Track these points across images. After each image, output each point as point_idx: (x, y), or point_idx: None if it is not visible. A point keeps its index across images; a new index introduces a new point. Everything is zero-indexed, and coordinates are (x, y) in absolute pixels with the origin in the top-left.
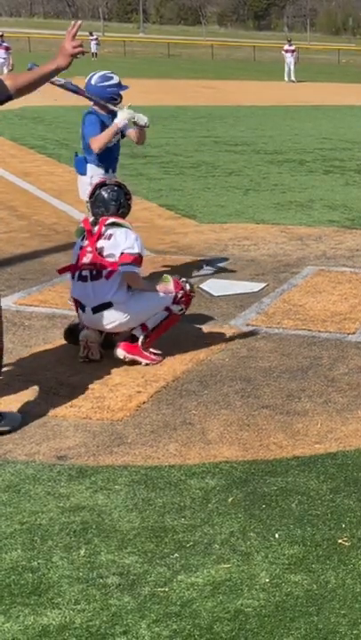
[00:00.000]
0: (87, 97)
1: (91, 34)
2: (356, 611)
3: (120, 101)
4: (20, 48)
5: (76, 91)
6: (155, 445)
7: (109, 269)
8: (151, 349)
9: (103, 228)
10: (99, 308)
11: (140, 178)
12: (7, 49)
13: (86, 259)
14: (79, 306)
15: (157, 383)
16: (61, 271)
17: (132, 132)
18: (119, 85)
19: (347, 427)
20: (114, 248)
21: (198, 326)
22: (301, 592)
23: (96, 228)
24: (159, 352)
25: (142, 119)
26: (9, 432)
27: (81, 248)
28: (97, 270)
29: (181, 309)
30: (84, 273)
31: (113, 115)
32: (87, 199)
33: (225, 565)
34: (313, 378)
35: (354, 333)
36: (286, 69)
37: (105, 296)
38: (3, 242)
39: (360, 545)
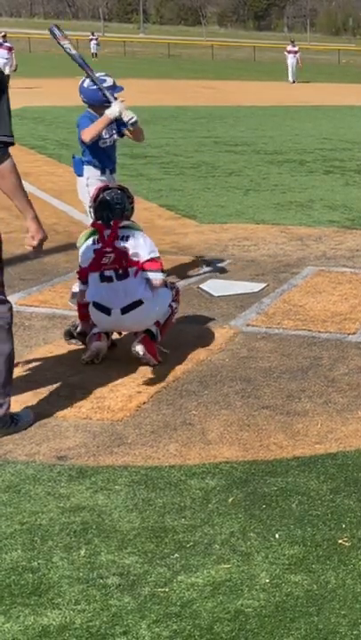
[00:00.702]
0: (91, 77)
1: (92, 34)
2: (357, 611)
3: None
4: (20, 48)
5: (82, 65)
6: (155, 446)
7: (136, 268)
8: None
9: (118, 231)
10: (129, 308)
11: (140, 178)
12: (10, 49)
13: (106, 259)
14: (101, 310)
15: (157, 383)
16: (82, 274)
17: (128, 131)
18: (113, 87)
19: (347, 427)
20: (137, 248)
21: (198, 326)
22: (302, 592)
23: (108, 231)
24: (166, 351)
25: (127, 115)
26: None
27: (95, 251)
28: (123, 269)
29: (177, 306)
30: (108, 273)
31: (109, 104)
32: (89, 203)
33: (225, 566)
34: (313, 378)
35: (354, 334)
36: (290, 70)
37: (136, 294)
38: (3, 242)
39: (360, 545)
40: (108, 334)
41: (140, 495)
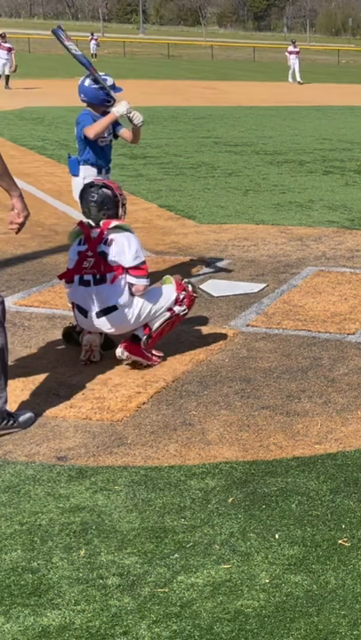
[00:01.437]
0: (95, 76)
1: (92, 34)
2: (357, 611)
3: (114, 103)
4: (19, 49)
5: (86, 65)
6: (155, 446)
7: (114, 274)
8: (152, 350)
9: (105, 232)
10: (103, 312)
11: (139, 178)
12: (10, 50)
13: (87, 263)
14: (80, 311)
15: (157, 384)
16: (62, 277)
17: (125, 132)
18: (113, 87)
19: (347, 427)
20: (118, 255)
21: (198, 327)
22: (301, 592)
23: (96, 232)
24: (160, 354)
25: (137, 118)
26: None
27: (79, 252)
28: (100, 275)
29: (184, 310)
30: (86, 277)
31: (109, 103)
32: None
33: (225, 566)
34: (313, 378)
35: (354, 334)
36: (291, 70)
37: (110, 300)
38: (2, 242)
39: (360, 545)
40: (101, 334)
41: (139, 495)
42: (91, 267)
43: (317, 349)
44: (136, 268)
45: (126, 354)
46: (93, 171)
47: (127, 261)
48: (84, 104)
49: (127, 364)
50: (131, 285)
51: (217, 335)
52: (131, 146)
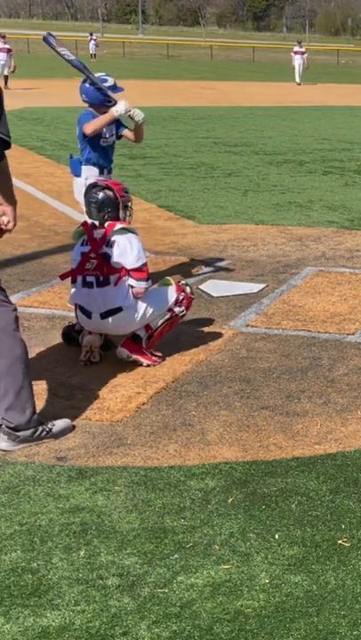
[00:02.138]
0: (91, 79)
1: (91, 35)
2: (357, 611)
3: (115, 103)
4: (19, 49)
5: (82, 70)
6: (154, 446)
7: (117, 276)
8: (152, 351)
9: (109, 234)
10: (107, 314)
11: (139, 179)
12: (8, 51)
13: (90, 265)
14: (83, 312)
15: (157, 384)
16: (64, 277)
17: (127, 132)
18: (114, 88)
19: (346, 427)
20: (119, 256)
21: (198, 327)
22: (301, 593)
23: (100, 233)
24: (160, 354)
25: (138, 114)
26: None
27: (82, 253)
28: (104, 277)
29: (183, 311)
30: (89, 279)
31: (110, 104)
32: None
33: (225, 566)
34: (313, 378)
35: (353, 334)
36: (296, 71)
37: (114, 302)
38: (2, 243)
39: (360, 546)
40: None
41: (139, 496)
42: (94, 268)
43: (317, 349)
44: (137, 270)
45: (127, 353)
46: (95, 171)
47: (129, 263)
48: (86, 104)
49: (126, 365)
50: (131, 287)
51: (217, 335)
52: (130, 146)
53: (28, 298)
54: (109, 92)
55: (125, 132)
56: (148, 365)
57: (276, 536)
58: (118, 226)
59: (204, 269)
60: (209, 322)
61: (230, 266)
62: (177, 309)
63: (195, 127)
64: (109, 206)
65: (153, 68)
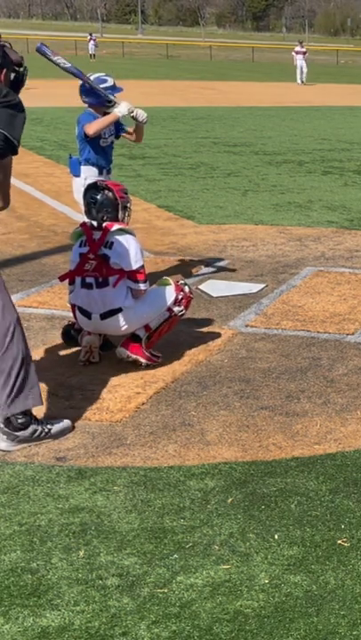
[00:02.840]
0: (89, 83)
1: (90, 35)
2: (356, 611)
3: (115, 103)
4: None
5: (79, 76)
6: (154, 446)
7: (117, 277)
8: (151, 351)
9: (107, 235)
10: (107, 315)
11: (138, 179)
12: None
13: (89, 266)
14: (83, 313)
15: (156, 384)
16: (63, 278)
17: (128, 132)
18: (114, 88)
19: (346, 427)
20: (118, 258)
21: (197, 327)
22: (301, 593)
23: (98, 234)
24: (159, 354)
25: (141, 115)
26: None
27: (81, 255)
28: (103, 278)
29: (182, 311)
30: (89, 280)
31: (110, 105)
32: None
33: (224, 566)
34: (312, 378)
35: (353, 334)
36: (298, 71)
37: (114, 303)
38: (1, 243)
39: (360, 546)
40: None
41: (139, 496)
42: (92, 269)
43: (317, 350)
44: (135, 272)
45: (127, 353)
46: (94, 171)
47: (127, 265)
48: (85, 105)
49: (126, 365)
50: (130, 289)
51: (216, 335)
52: (130, 146)
53: (27, 298)
54: (110, 95)
55: (127, 131)
56: (147, 365)
57: (276, 536)
58: (116, 227)
59: (204, 269)
60: (208, 322)
61: (230, 266)
62: (176, 309)
63: (194, 127)
64: (109, 207)
65: (152, 68)
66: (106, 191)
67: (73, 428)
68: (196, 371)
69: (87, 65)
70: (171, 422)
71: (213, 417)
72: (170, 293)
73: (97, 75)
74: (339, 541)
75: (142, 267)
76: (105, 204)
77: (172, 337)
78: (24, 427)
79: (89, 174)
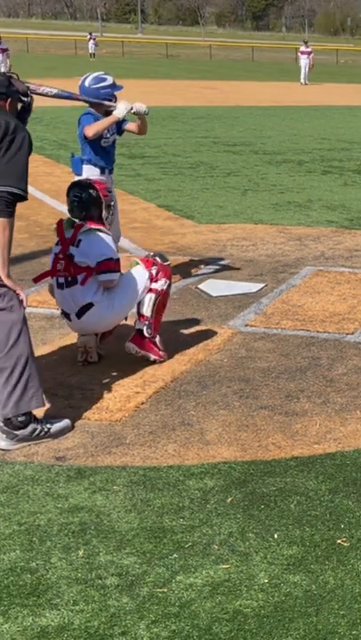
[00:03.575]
0: (83, 100)
1: (90, 34)
2: (356, 611)
3: (115, 102)
4: (17, 49)
5: (70, 97)
6: (153, 446)
7: (84, 275)
8: (159, 345)
9: (77, 235)
10: (81, 312)
11: (138, 178)
12: (4, 51)
13: (60, 265)
14: (64, 315)
15: (156, 384)
16: (36, 279)
17: (131, 126)
18: (113, 86)
19: (345, 427)
20: (84, 255)
21: (197, 327)
22: (300, 592)
23: (69, 233)
24: (165, 354)
25: (141, 107)
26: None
27: (55, 254)
28: (72, 277)
29: (165, 283)
30: (60, 280)
31: (110, 113)
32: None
33: (224, 566)
34: (312, 378)
35: (353, 334)
36: (302, 71)
37: (85, 298)
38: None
39: (359, 545)
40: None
41: (138, 495)
42: (63, 269)
43: (316, 349)
44: (101, 264)
45: (136, 348)
46: (96, 171)
47: (92, 261)
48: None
49: (125, 365)
50: (103, 284)
51: (216, 335)
52: (129, 145)
53: (26, 297)
54: (105, 102)
55: (128, 125)
56: (155, 361)
57: (276, 536)
58: (86, 227)
59: (203, 269)
60: (208, 321)
61: (229, 265)
62: (157, 285)
63: (194, 127)
64: (93, 205)
65: (152, 67)
66: (90, 189)
67: (72, 427)
68: (195, 370)
69: (87, 64)
70: (170, 422)
71: (213, 416)
72: (141, 273)
73: (96, 74)
74: (338, 541)
75: (109, 259)
76: (89, 203)
77: (172, 336)
78: (24, 425)
79: (91, 173)
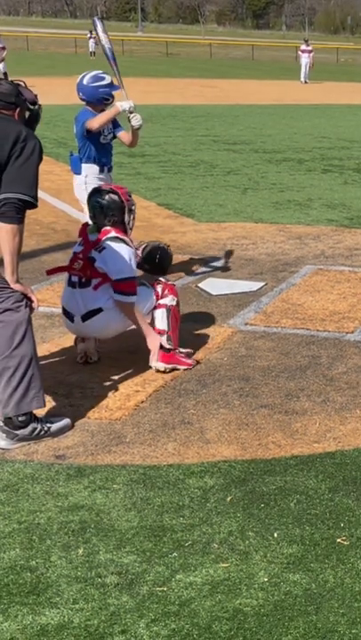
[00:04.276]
0: (115, 70)
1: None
2: (355, 610)
3: (112, 101)
4: (17, 47)
5: (111, 60)
6: (153, 445)
7: (99, 280)
8: (181, 350)
9: (102, 240)
10: (88, 316)
11: (138, 177)
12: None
13: (77, 264)
14: (66, 315)
15: (156, 382)
16: (50, 272)
17: (123, 135)
18: (111, 85)
19: (345, 426)
20: (103, 262)
21: (197, 326)
22: (300, 591)
23: (94, 237)
24: (190, 350)
25: (137, 119)
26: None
27: (74, 253)
28: (86, 279)
29: (173, 299)
30: (74, 279)
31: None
32: (84, 202)
33: (224, 565)
34: (312, 377)
35: (352, 332)
36: (302, 70)
37: (95, 303)
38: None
39: (359, 544)
40: None
41: (138, 494)
42: (79, 268)
43: (316, 348)
44: (120, 282)
45: (164, 365)
46: (96, 169)
47: (111, 272)
48: (83, 102)
49: (125, 364)
50: (119, 306)
51: (215, 334)
52: None
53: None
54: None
55: (121, 133)
56: (186, 369)
57: (275, 534)
58: (112, 234)
59: (203, 268)
60: (208, 320)
61: (229, 264)
62: (166, 301)
63: (194, 125)
64: (115, 210)
65: (152, 65)
66: (111, 194)
67: (72, 426)
68: (195, 369)
69: (87, 63)
70: (170, 420)
71: (213, 415)
72: (145, 292)
73: (94, 72)
74: (338, 540)
75: (130, 278)
76: (111, 208)
77: None
78: (24, 425)
79: (90, 172)
